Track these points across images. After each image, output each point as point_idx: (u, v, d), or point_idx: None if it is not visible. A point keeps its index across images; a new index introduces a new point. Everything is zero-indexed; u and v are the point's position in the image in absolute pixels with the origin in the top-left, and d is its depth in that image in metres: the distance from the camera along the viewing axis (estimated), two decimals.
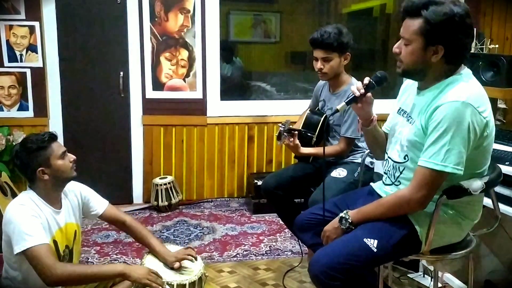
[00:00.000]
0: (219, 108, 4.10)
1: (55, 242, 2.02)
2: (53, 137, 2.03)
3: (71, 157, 2.07)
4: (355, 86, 1.81)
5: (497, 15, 4.00)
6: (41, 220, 1.93)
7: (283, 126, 2.45)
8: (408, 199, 1.65)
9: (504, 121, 3.73)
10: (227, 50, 4.49)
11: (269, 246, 3.27)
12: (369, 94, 1.80)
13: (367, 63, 5.15)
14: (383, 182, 1.91)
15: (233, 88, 4.55)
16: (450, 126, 1.57)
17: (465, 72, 1.71)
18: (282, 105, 4.26)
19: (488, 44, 3.61)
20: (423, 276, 2.74)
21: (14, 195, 3.26)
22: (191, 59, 3.96)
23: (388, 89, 4.23)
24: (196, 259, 2.20)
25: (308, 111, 2.72)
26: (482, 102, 1.62)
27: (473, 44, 3.69)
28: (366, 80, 1.81)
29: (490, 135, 1.66)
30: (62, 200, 2.11)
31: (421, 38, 1.63)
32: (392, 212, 1.70)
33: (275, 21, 5.07)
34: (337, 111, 1.83)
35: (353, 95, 1.80)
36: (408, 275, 2.76)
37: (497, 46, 3.57)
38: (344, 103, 1.81)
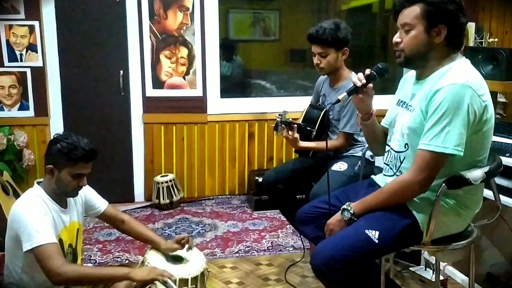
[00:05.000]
0: (219, 106, 4.11)
1: (60, 240, 2.02)
2: (87, 158, 1.97)
3: (83, 183, 2.02)
4: (356, 76, 1.82)
5: (496, 10, 4.01)
6: (50, 219, 1.94)
7: (279, 117, 2.45)
8: (408, 183, 1.65)
9: (505, 114, 3.74)
10: (227, 49, 4.49)
11: (271, 242, 3.28)
12: (370, 85, 1.81)
13: (366, 59, 5.15)
14: (384, 174, 1.91)
15: (233, 87, 4.56)
16: (450, 108, 1.58)
17: (463, 60, 1.73)
18: (282, 101, 4.27)
19: (488, 38, 3.62)
20: (425, 269, 2.75)
21: (16, 194, 3.27)
22: (190, 57, 3.97)
23: (387, 85, 4.24)
24: (191, 248, 2.22)
25: (308, 106, 2.72)
26: (481, 86, 1.64)
27: (473, 38, 3.70)
28: (368, 71, 1.82)
29: (489, 121, 1.66)
30: (67, 199, 2.11)
31: (424, 21, 1.66)
32: (394, 198, 1.70)
33: (274, 19, 5.07)
34: (338, 101, 1.83)
35: (355, 86, 1.81)
36: (410, 268, 2.77)
37: (496, 39, 3.59)
38: (345, 93, 1.82)
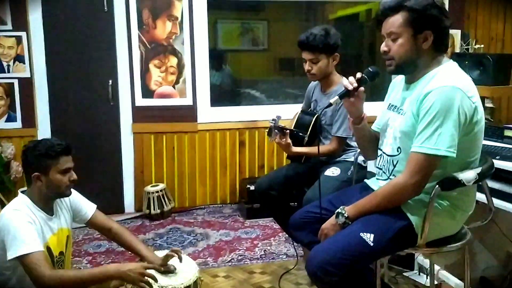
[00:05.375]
0: (210, 114, 4.10)
1: (48, 248, 2.00)
2: (66, 151, 1.99)
3: (73, 176, 2.03)
4: (348, 80, 1.82)
5: (481, 17, 4.07)
6: (35, 226, 1.92)
7: (273, 122, 2.45)
8: (402, 186, 1.65)
9: (492, 120, 3.78)
10: (216, 58, 4.50)
11: (264, 250, 3.25)
12: (361, 88, 1.82)
13: (354, 68, 5.19)
14: (378, 178, 1.91)
15: (222, 96, 4.56)
16: (441, 110, 1.59)
17: (451, 62, 1.76)
18: (272, 109, 4.25)
19: (474, 44, 3.68)
20: (419, 274, 2.75)
21: (3, 206, 3.21)
22: (180, 66, 3.96)
23: (376, 92, 4.26)
24: (180, 259, 2.18)
25: (299, 112, 2.73)
26: (470, 88, 1.65)
27: (459, 45, 3.75)
28: (359, 74, 1.83)
29: (479, 123, 1.68)
30: (54, 206, 2.09)
31: (410, 28, 1.68)
32: (388, 201, 1.69)
33: (263, 29, 5.10)
34: (330, 104, 1.83)
35: (346, 89, 1.81)
36: (404, 273, 2.76)
37: (482, 46, 3.64)
38: (337, 96, 1.82)
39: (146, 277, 1.91)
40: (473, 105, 1.63)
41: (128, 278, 1.89)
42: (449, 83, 1.61)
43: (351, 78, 1.82)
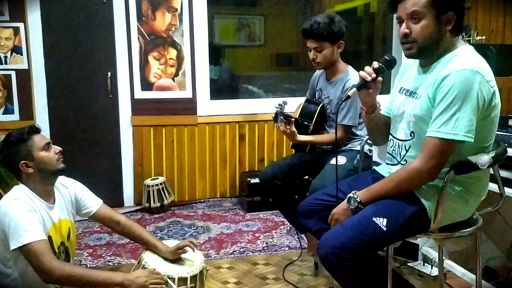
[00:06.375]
0: (209, 107, 4.06)
1: (49, 237, 1.96)
2: (34, 130, 1.98)
3: (56, 148, 2.01)
4: (364, 71, 1.76)
5: (481, 10, 4.08)
6: (37, 215, 1.88)
7: (279, 107, 2.41)
8: (418, 170, 1.62)
9: None
10: (213, 53, 4.46)
11: (266, 243, 3.23)
12: (379, 78, 1.76)
13: (353, 63, 5.17)
14: (388, 163, 1.88)
15: (220, 91, 4.53)
16: (460, 94, 1.55)
17: (468, 46, 1.72)
18: (272, 102, 4.23)
19: (475, 36, 3.67)
20: (423, 264, 2.74)
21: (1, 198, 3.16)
22: (179, 58, 3.92)
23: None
24: (194, 250, 2.17)
25: (304, 101, 2.70)
26: (488, 72, 1.62)
27: (460, 36, 3.75)
28: (376, 64, 1.76)
29: (497, 107, 1.65)
30: (55, 195, 2.05)
31: (434, 9, 1.62)
32: (402, 186, 1.66)
33: (259, 24, 5.09)
34: (348, 97, 1.76)
35: (363, 81, 1.75)
36: (408, 264, 2.75)
37: (483, 37, 3.64)
38: (355, 89, 1.75)
39: (156, 279, 1.88)
40: (491, 89, 1.61)
41: (135, 285, 1.85)
42: (468, 66, 1.57)
43: (368, 69, 1.76)
